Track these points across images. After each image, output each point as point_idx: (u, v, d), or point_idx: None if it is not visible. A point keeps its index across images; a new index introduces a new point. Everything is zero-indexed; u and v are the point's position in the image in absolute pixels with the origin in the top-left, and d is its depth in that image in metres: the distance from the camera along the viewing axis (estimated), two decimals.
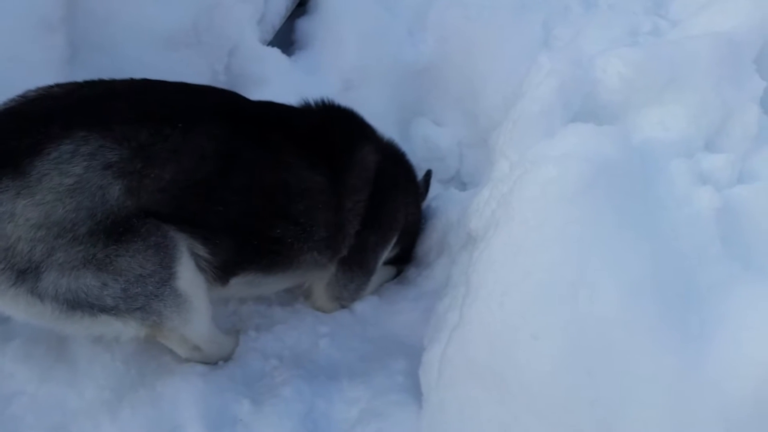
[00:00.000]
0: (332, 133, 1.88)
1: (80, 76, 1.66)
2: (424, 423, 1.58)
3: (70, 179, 1.39)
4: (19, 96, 1.51)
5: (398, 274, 2.29)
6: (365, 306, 2.06)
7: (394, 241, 2.10)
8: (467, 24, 2.61)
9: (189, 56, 2.16)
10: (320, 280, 2.00)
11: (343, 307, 2.07)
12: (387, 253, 2.12)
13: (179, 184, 1.53)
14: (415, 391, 1.69)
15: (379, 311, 2.06)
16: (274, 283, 1.92)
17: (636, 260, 1.40)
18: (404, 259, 2.28)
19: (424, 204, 2.34)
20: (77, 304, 1.47)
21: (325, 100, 1.95)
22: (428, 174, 2.37)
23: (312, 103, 1.93)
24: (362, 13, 2.69)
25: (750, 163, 1.66)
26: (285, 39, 2.71)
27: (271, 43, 2.57)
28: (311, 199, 1.77)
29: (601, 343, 1.33)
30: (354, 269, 2.00)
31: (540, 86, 1.83)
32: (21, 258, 1.39)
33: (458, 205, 2.17)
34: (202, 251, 1.62)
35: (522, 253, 1.47)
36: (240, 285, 1.80)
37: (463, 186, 2.50)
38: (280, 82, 1.98)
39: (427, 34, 2.72)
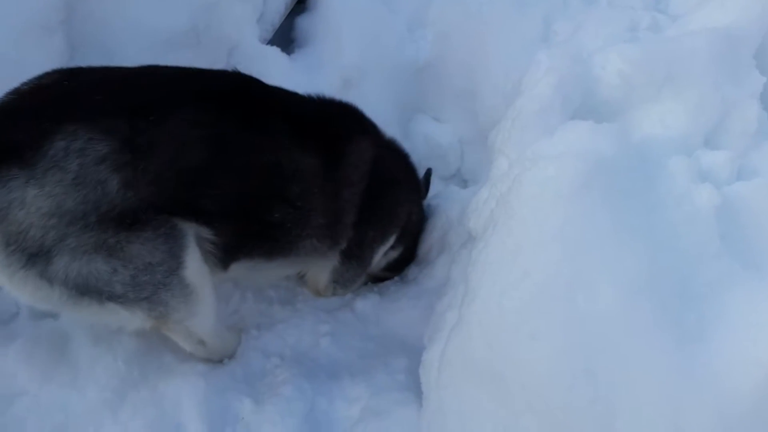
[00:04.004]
0: (329, 123, 1.88)
1: None
2: (424, 422, 1.58)
3: (70, 174, 1.40)
4: (17, 87, 1.52)
5: (401, 273, 2.29)
6: (366, 304, 2.07)
7: (393, 237, 2.11)
8: (467, 20, 2.60)
9: (189, 57, 2.15)
10: (319, 267, 2.02)
11: (336, 295, 2.10)
12: (386, 249, 2.12)
13: (175, 172, 1.53)
14: (416, 390, 1.70)
15: (380, 309, 2.07)
16: (275, 269, 1.93)
17: (634, 259, 1.39)
18: (407, 260, 2.28)
19: (425, 203, 2.34)
20: (86, 290, 1.48)
21: (327, 96, 1.96)
22: (428, 173, 2.37)
23: (314, 96, 1.93)
24: (362, 10, 2.69)
25: (750, 159, 1.65)
26: (285, 37, 2.71)
27: (271, 42, 2.57)
28: (305, 182, 1.78)
29: (599, 342, 1.33)
30: (351, 261, 2.02)
31: (539, 84, 1.82)
32: (33, 242, 1.41)
33: (459, 203, 2.17)
34: (207, 236, 1.64)
35: (520, 252, 1.47)
36: (243, 270, 1.82)
37: (464, 183, 2.50)
38: (280, 80, 1.97)
39: (426, 30, 2.72)
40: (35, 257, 1.42)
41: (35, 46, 1.98)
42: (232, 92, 1.72)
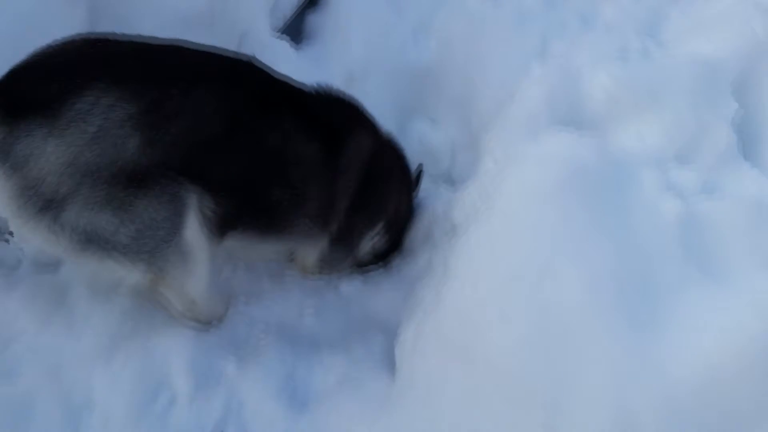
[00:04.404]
0: (332, 113, 2.00)
1: None
2: (396, 390, 1.70)
3: (93, 127, 1.51)
4: (44, 47, 1.61)
5: (386, 262, 2.41)
6: (350, 286, 2.19)
7: (380, 225, 2.23)
8: (470, 32, 2.73)
9: (202, 37, 2.24)
10: (308, 248, 2.14)
11: (322, 275, 2.21)
12: (373, 236, 2.24)
13: (192, 140, 1.65)
14: (390, 364, 1.82)
15: (363, 292, 2.18)
16: (269, 246, 2.05)
17: (600, 256, 1.53)
18: (392, 249, 2.40)
19: (414, 198, 2.46)
20: (93, 239, 1.58)
21: (331, 87, 2.08)
22: (419, 168, 2.49)
23: (319, 87, 2.05)
24: (371, 13, 2.83)
25: (716, 177, 1.79)
26: (295, 31, 2.83)
27: (282, 33, 2.70)
28: (305, 168, 1.90)
29: (560, 326, 1.47)
30: (339, 244, 2.14)
31: (529, 93, 1.97)
32: (49, 189, 1.51)
33: (445, 200, 2.29)
34: (208, 204, 1.74)
35: (497, 241, 1.61)
36: (237, 243, 1.92)
37: (452, 184, 2.61)
38: (286, 70, 2.08)
39: (431, 37, 2.85)
40: (49, 204, 1.53)
41: (59, 15, 2.07)
42: (249, 76, 1.84)
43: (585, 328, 1.45)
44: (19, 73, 1.55)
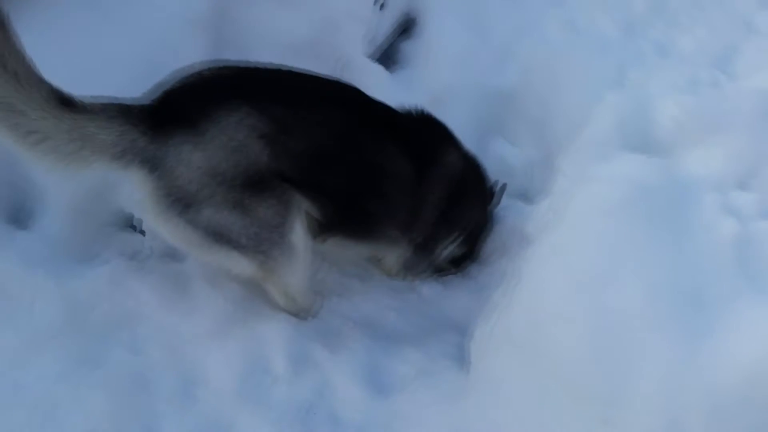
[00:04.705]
0: (426, 135, 2.24)
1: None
2: (468, 383, 1.90)
3: (234, 142, 1.80)
4: (195, 72, 1.91)
5: (462, 269, 2.61)
6: (429, 290, 2.41)
7: (459, 237, 2.44)
8: (550, 59, 2.92)
9: (308, 63, 2.51)
10: (393, 253, 2.37)
11: (404, 278, 2.44)
12: (452, 246, 2.45)
13: (307, 155, 1.92)
14: (462, 360, 2.02)
15: (441, 296, 2.40)
16: (359, 250, 2.31)
17: (659, 268, 1.67)
18: (469, 257, 2.60)
19: (493, 212, 2.66)
20: (220, 237, 1.87)
21: (423, 110, 2.31)
22: (503, 186, 2.67)
23: (412, 109, 2.29)
24: (458, 41, 3.07)
25: None
26: (388, 57, 3.10)
27: (376, 60, 2.97)
28: (400, 185, 2.14)
29: (620, 329, 1.61)
30: (421, 252, 2.37)
31: (602, 118, 2.14)
32: (189, 195, 1.80)
33: (521, 215, 2.48)
34: (313, 211, 2.00)
35: (566, 252, 1.78)
36: (334, 246, 2.18)
37: (529, 201, 2.79)
38: (380, 93, 2.32)
39: (513, 64, 3.04)
40: (189, 207, 1.82)
41: (188, 41, 2.41)
42: (355, 100, 2.12)
43: (641, 333, 1.59)
44: (171, 96, 1.85)
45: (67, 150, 1.72)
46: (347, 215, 2.11)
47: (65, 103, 1.69)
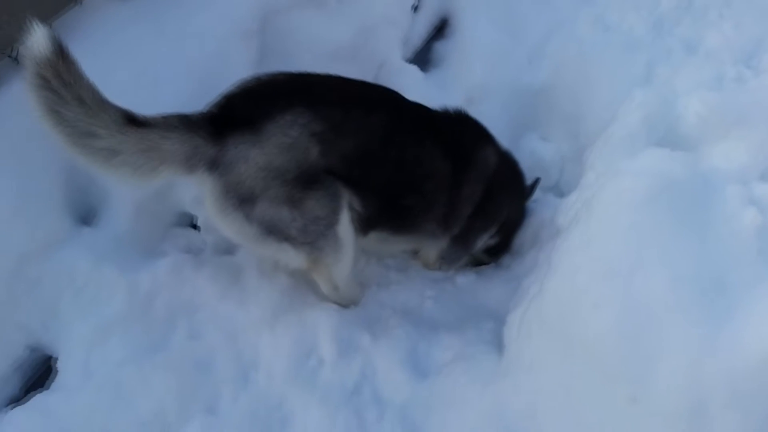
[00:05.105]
0: (462, 134, 2.37)
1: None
2: (503, 366, 2.02)
3: (288, 139, 1.94)
4: (253, 78, 2.07)
5: (497, 260, 2.73)
6: (465, 279, 2.54)
7: (494, 229, 2.56)
8: (580, 57, 3.01)
9: (348, 67, 2.68)
10: (431, 246, 2.50)
11: (441, 269, 2.57)
12: (487, 238, 2.57)
13: (353, 153, 2.06)
14: (497, 345, 2.13)
15: (476, 285, 2.53)
16: (399, 243, 2.44)
17: (683, 257, 1.76)
18: (503, 248, 2.72)
19: (526, 204, 2.77)
20: (272, 230, 2.02)
21: (459, 109, 2.43)
22: (537, 180, 2.78)
23: (448, 109, 2.41)
24: (490, 40, 3.18)
25: None
26: (423, 58, 3.23)
27: (411, 61, 3.10)
28: (439, 181, 2.27)
29: (646, 315, 1.70)
30: (458, 244, 2.50)
31: (630, 115, 2.23)
32: (246, 190, 1.95)
33: (553, 208, 2.59)
34: (357, 205, 2.14)
35: (594, 241, 1.88)
36: (375, 239, 2.32)
37: (561, 194, 2.89)
38: (416, 93, 2.44)
39: (544, 62, 3.15)
40: (245, 202, 1.97)
41: (237, 51, 2.58)
42: (397, 103, 2.26)
43: (666, 318, 1.69)
44: (230, 100, 2.02)
45: (137, 162, 1.88)
46: (389, 210, 2.24)
47: (129, 120, 1.84)
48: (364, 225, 2.22)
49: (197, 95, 2.13)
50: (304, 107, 1.98)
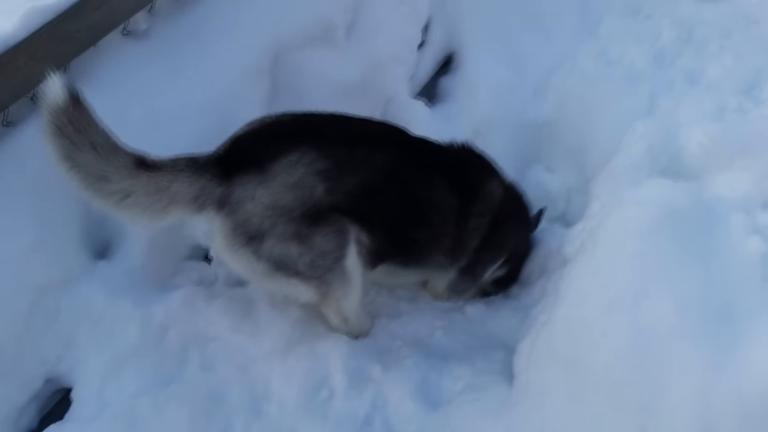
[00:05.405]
0: (468, 167, 2.41)
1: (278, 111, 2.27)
2: (513, 395, 2.03)
3: (293, 178, 2.00)
4: (259, 119, 2.15)
5: (505, 290, 2.76)
6: (474, 309, 2.56)
7: (501, 260, 2.59)
8: (583, 90, 3.08)
9: (356, 103, 2.76)
10: (440, 278, 2.53)
11: (450, 300, 2.59)
12: (495, 269, 2.60)
13: (359, 189, 2.10)
14: (508, 375, 2.14)
15: (485, 315, 2.55)
16: (408, 275, 2.47)
17: (689, 284, 1.78)
18: (511, 280, 2.75)
19: (532, 235, 2.81)
20: (280, 266, 2.06)
21: (465, 143, 2.48)
22: (542, 210, 2.80)
23: (454, 143, 2.46)
24: (495, 75, 3.25)
25: None
26: (429, 93, 3.30)
27: (418, 96, 3.17)
28: (445, 214, 2.31)
29: (653, 343, 1.72)
30: (466, 275, 2.52)
31: (633, 146, 2.29)
32: (253, 228, 2.00)
33: (559, 238, 2.62)
34: (364, 240, 2.18)
35: (601, 271, 1.92)
36: (383, 273, 2.35)
37: (567, 224, 2.91)
38: (423, 127, 2.50)
39: (548, 95, 3.21)
40: (253, 239, 2.02)
41: (249, 87, 2.64)
42: (401, 139, 2.31)
43: (673, 345, 1.71)
44: (237, 141, 2.08)
45: (147, 203, 1.95)
46: (396, 244, 2.28)
47: (139, 163, 1.92)
48: (372, 259, 2.25)
49: (211, 134, 2.20)
50: (309, 146, 2.04)
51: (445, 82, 3.34)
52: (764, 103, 2.43)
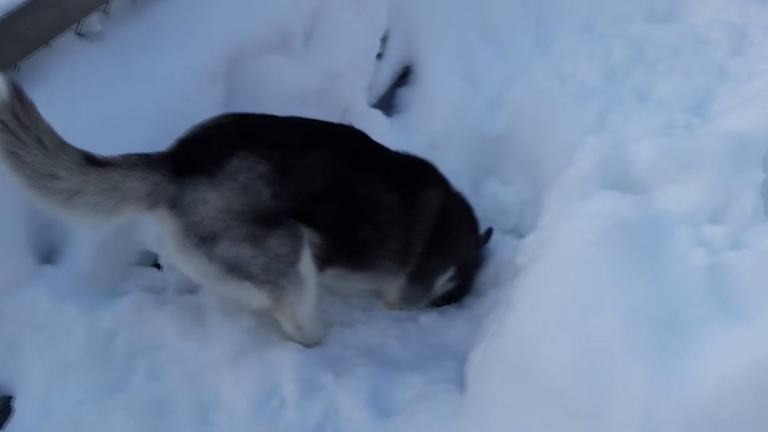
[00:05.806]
0: (411, 171, 2.44)
1: None
2: (465, 404, 2.04)
3: (239, 184, 1.98)
4: (200, 124, 2.12)
5: (458, 303, 2.78)
6: (427, 319, 2.57)
7: (451, 269, 2.61)
8: (537, 105, 3.14)
9: (314, 110, 2.75)
10: (391, 285, 2.54)
11: (403, 309, 2.61)
12: (445, 278, 2.62)
13: (303, 190, 2.10)
14: (460, 384, 2.15)
15: (438, 324, 2.56)
16: (359, 281, 2.46)
17: (636, 295, 1.82)
18: (462, 293, 2.77)
19: (484, 249, 2.84)
20: (233, 269, 2.03)
21: (412, 153, 2.51)
22: (490, 230, 2.86)
23: (402, 152, 2.48)
24: (452, 88, 3.29)
25: (743, 235, 2.07)
26: (387, 103, 3.31)
27: (376, 106, 3.18)
28: (387, 214, 2.32)
29: (602, 352, 1.75)
30: (416, 283, 2.54)
31: (582, 160, 2.34)
32: (205, 229, 1.97)
33: (512, 249, 2.66)
34: (315, 239, 2.17)
35: (551, 281, 1.95)
36: (334, 277, 2.35)
37: (520, 236, 2.95)
38: (380, 137, 2.49)
39: (503, 110, 3.26)
40: (205, 240, 1.99)
41: (204, 92, 2.61)
42: (348, 141, 2.31)
43: (621, 355, 1.74)
44: (185, 143, 2.06)
45: (97, 201, 1.90)
46: (342, 245, 2.27)
47: (89, 160, 1.87)
48: (324, 260, 2.24)
49: (164, 137, 2.15)
50: (248, 150, 2.03)
51: (403, 93, 3.36)
52: (712, 121, 2.52)
